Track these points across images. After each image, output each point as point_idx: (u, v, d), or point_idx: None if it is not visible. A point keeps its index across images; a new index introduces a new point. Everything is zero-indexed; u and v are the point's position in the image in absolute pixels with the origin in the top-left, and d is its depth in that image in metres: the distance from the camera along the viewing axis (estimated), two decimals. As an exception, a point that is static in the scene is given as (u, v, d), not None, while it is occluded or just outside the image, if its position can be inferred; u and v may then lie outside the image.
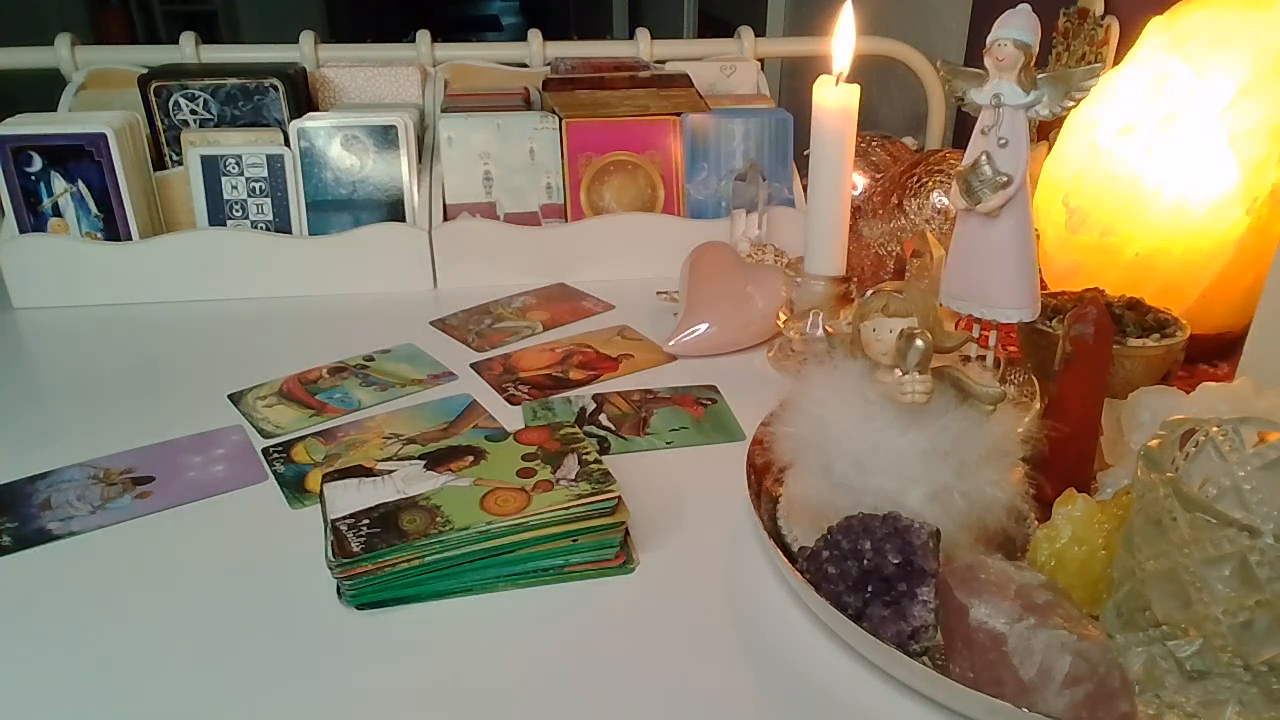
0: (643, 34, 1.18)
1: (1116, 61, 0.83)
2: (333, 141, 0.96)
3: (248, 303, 0.94)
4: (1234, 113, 0.70)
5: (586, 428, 0.72)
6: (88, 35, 3.38)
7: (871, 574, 0.48)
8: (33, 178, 0.91)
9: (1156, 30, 0.77)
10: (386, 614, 0.53)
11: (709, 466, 0.67)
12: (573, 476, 0.57)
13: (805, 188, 0.90)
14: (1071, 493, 0.52)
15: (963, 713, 0.45)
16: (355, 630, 0.52)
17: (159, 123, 0.98)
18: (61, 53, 1.08)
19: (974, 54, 1.27)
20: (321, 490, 0.57)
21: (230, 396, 0.76)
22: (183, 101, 0.98)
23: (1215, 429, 0.47)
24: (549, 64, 1.14)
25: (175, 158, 0.99)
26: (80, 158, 0.91)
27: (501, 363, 0.83)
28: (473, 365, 0.82)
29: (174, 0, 4.07)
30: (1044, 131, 0.97)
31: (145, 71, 1.00)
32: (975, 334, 0.64)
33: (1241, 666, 0.42)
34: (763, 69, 1.18)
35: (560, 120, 0.99)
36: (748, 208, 0.94)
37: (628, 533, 0.58)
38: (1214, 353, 0.75)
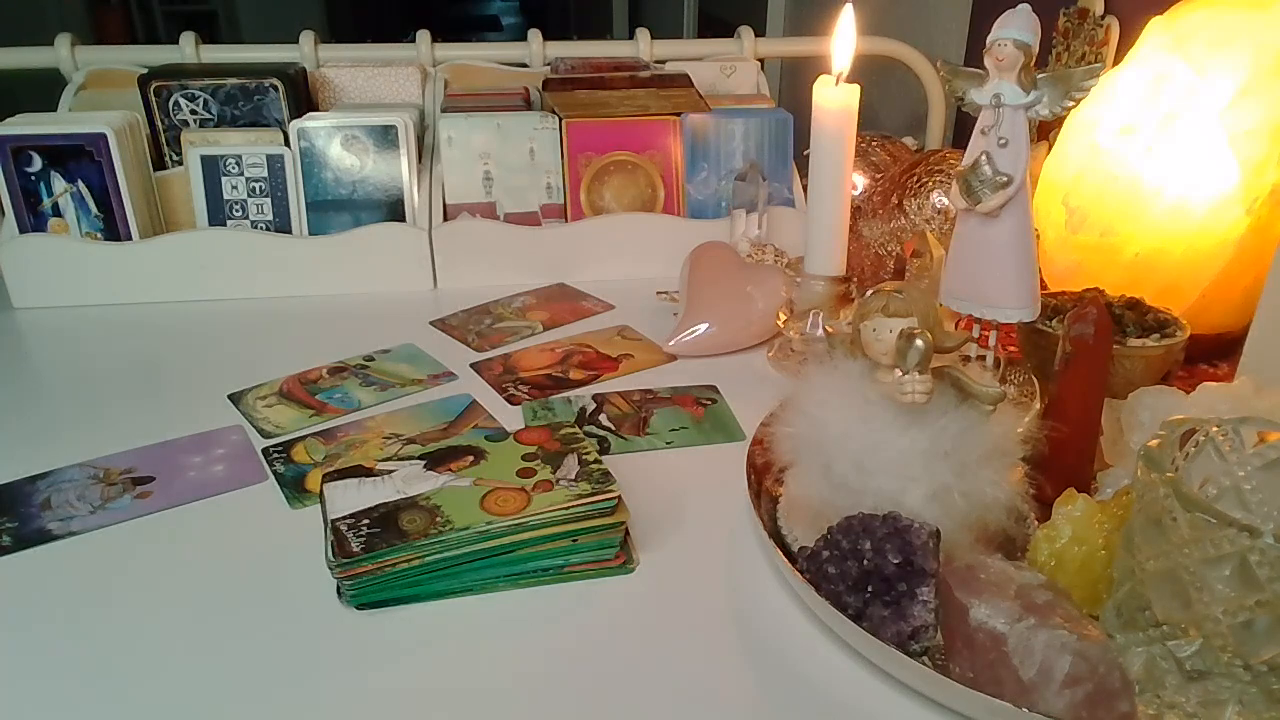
0: (643, 34, 1.18)
1: (1116, 61, 0.83)
2: (333, 141, 0.96)
3: (248, 303, 0.95)
4: (1234, 113, 0.70)
5: (586, 428, 0.72)
6: (87, 35, 3.38)
7: (871, 574, 0.48)
8: (33, 178, 0.91)
9: (1156, 30, 0.77)
10: (386, 614, 0.53)
11: (709, 466, 0.67)
12: (573, 476, 0.57)
13: (805, 188, 0.90)
14: (1071, 493, 0.52)
15: (963, 713, 0.45)
16: (355, 630, 0.52)
17: (159, 123, 0.98)
18: (61, 53, 1.08)
19: (974, 54, 1.27)
20: (321, 490, 0.57)
21: (230, 396, 0.76)
22: (183, 101, 0.98)
23: (1215, 429, 0.47)
24: (549, 64, 1.14)
25: (175, 158, 0.99)
26: (80, 158, 0.91)
27: (501, 363, 0.83)
28: (473, 365, 0.82)
29: (174, 0, 4.07)
30: (1044, 131, 0.97)
31: (145, 71, 1.00)
32: (975, 334, 0.64)
33: (1241, 666, 0.42)
34: (763, 69, 1.18)
35: (560, 120, 0.99)
36: (748, 208, 0.94)
37: (628, 533, 0.58)
38: (1214, 353, 0.75)
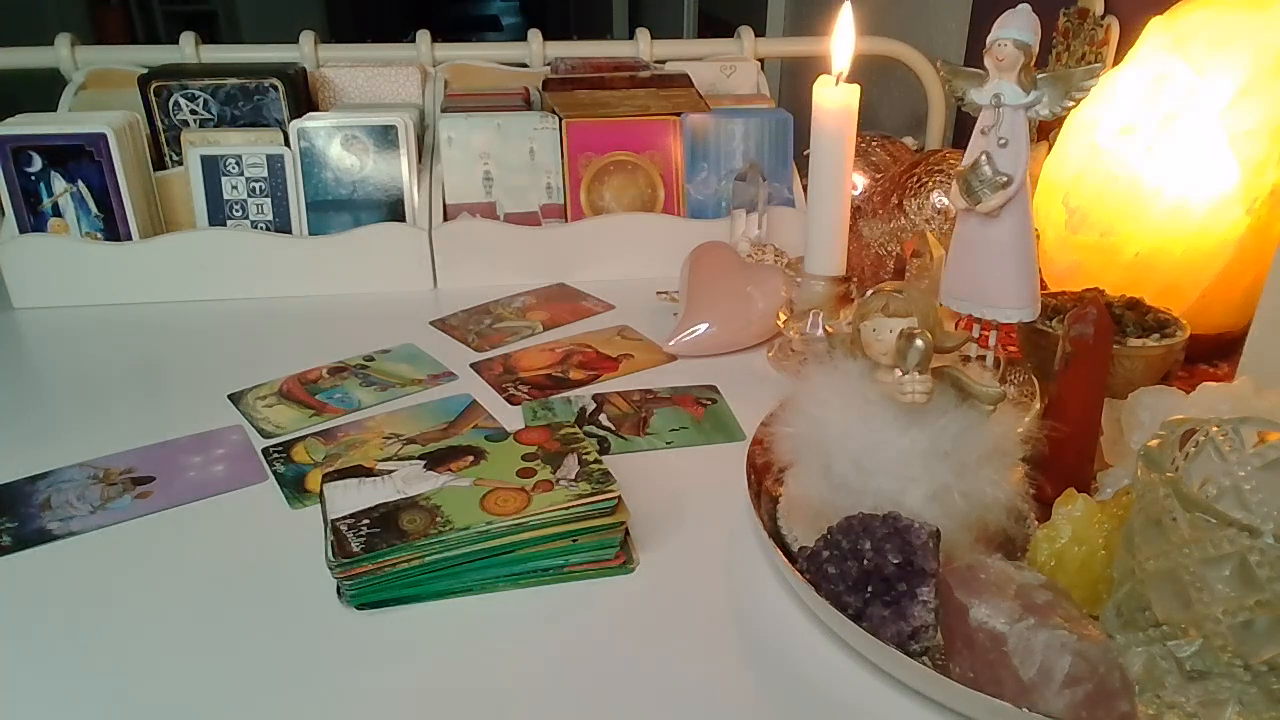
0: (643, 34, 1.18)
1: (1116, 61, 0.83)
2: (333, 141, 0.96)
3: (248, 303, 0.94)
4: (1234, 113, 0.70)
5: (586, 428, 0.72)
6: (87, 35, 3.38)
7: (871, 574, 0.48)
8: (33, 178, 0.91)
9: (1156, 30, 0.77)
10: (386, 614, 0.53)
11: (709, 466, 0.67)
12: (573, 476, 0.57)
13: (805, 188, 0.90)
14: (1071, 493, 0.52)
15: (963, 713, 0.45)
16: (355, 630, 0.52)
17: (159, 123, 0.98)
18: (61, 53, 1.08)
19: (974, 54, 1.27)
20: (321, 490, 0.57)
21: (230, 396, 0.76)
22: (183, 101, 0.98)
23: (1215, 429, 0.47)
24: (549, 64, 1.14)
25: (175, 158, 0.99)
26: (80, 158, 0.91)
27: (501, 363, 0.83)
28: (473, 365, 0.82)
29: (174, 0, 4.07)
30: (1044, 131, 0.97)
31: (145, 71, 1.00)
32: (975, 334, 0.64)
33: (1241, 666, 0.42)
34: (763, 69, 1.18)
35: (560, 120, 0.99)
36: (748, 208, 0.94)
37: (628, 533, 0.58)
38: (1214, 353, 0.75)
